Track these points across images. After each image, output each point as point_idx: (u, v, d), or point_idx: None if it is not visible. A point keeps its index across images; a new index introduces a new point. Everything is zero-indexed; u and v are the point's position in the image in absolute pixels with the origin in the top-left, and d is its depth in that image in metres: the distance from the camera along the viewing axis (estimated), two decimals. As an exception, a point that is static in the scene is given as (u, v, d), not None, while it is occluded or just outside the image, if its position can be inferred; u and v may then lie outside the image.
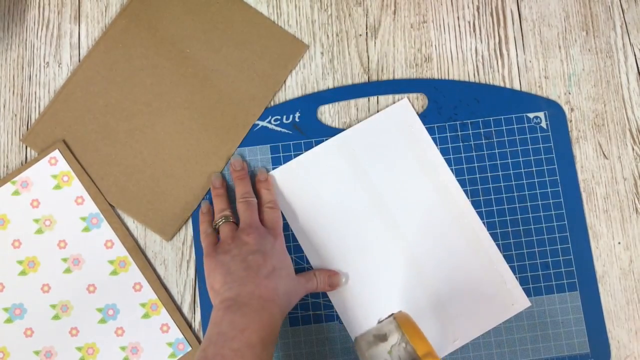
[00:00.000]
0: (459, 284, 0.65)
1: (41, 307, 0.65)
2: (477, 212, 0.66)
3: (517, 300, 0.65)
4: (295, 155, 0.67)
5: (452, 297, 0.64)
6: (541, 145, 0.67)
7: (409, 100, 0.68)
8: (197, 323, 0.66)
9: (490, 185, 0.67)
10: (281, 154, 0.67)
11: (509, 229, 0.66)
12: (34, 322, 0.64)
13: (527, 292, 0.65)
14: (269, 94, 0.69)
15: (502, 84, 0.69)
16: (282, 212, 0.66)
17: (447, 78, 0.69)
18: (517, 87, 0.69)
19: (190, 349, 0.65)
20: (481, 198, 0.67)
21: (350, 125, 0.68)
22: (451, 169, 0.67)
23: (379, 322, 0.60)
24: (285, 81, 0.69)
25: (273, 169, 0.67)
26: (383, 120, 0.68)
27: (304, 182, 0.67)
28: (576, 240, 0.66)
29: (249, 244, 0.60)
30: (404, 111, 0.68)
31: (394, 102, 0.69)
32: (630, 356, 0.65)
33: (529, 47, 0.70)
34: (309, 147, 0.68)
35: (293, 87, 0.70)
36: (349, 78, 0.70)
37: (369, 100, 0.69)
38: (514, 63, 0.70)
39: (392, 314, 0.59)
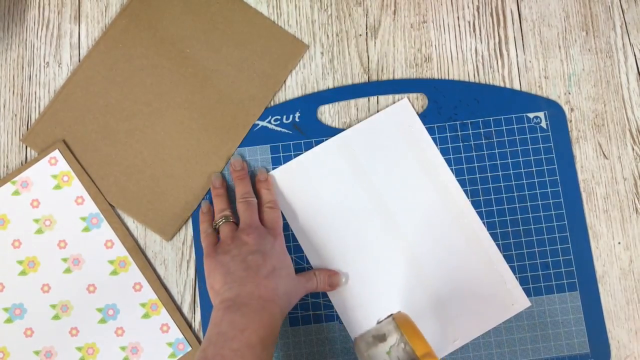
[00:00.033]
0: (458, 284, 0.65)
1: (41, 307, 0.65)
2: (477, 212, 0.66)
3: (517, 300, 0.65)
4: (295, 155, 0.67)
5: (452, 297, 0.64)
6: (541, 145, 0.67)
7: (409, 100, 0.68)
8: (197, 323, 0.66)
9: (490, 185, 0.67)
10: (281, 154, 0.67)
11: (509, 229, 0.66)
12: (34, 322, 0.65)
13: (527, 292, 0.65)
14: (269, 94, 0.69)
15: (502, 84, 0.69)
16: (282, 212, 0.66)
17: (447, 78, 0.69)
18: (517, 87, 0.69)
19: (190, 349, 0.65)
20: (481, 198, 0.67)
21: (350, 125, 0.68)
22: (451, 169, 0.67)
23: (378, 322, 0.60)
24: (285, 81, 0.69)
25: (273, 169, 0.67)
26: (383, 120, 0.68)
27: (303, 182, 0.67)
28: (576, 240, 0.66)
29: (248, 244, 0.60)
30: (404, 111, 0.68)
31: (394, 102, 0.69)
32: (630, 356, 0.65)
33: (529, 47, 0.70)
34: (309, 147, 0.68)
35: (293, 87, 0.70)
36: (349, 78, 0.70)
37: (369, 100, 0.69)
38: (514, 63, 0.70)
39: (391, 314, 0.59)
